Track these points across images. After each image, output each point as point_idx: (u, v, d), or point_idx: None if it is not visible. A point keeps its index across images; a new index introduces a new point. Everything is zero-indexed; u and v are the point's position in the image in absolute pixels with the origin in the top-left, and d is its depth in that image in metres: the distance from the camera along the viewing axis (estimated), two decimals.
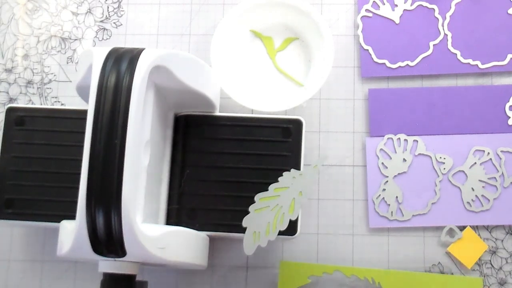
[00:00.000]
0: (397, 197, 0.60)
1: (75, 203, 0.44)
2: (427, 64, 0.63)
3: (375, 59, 0.63)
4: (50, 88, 0.64)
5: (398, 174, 0.60)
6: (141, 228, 0.45)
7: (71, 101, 0.64)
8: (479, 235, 0.59)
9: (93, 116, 0.44)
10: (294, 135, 0.55)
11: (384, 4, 0.64)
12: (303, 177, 0.50)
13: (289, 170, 0.50)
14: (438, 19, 0.64)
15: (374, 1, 0.64)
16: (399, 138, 0.61)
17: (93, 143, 0.44)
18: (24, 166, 0.56)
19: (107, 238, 0.44)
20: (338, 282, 0.58)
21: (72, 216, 0.45)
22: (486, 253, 0.59)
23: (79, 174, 0.44)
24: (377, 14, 0.64)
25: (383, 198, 0.60)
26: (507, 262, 0.59)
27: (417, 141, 0.61)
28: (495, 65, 0.62)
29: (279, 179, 0.50)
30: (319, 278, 0.58)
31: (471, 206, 0.59)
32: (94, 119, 0.44)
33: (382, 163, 0.61)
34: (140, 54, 0.46)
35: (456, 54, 0.63)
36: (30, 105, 0.63)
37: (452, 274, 0.59)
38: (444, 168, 0.60)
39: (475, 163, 0.60)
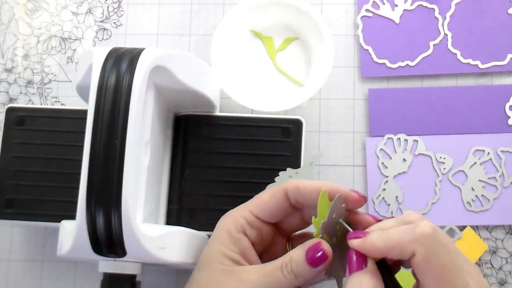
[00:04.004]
0: (397, 197, 0.60)
1: (75, 203, 0.44)
2: (427, 64, 0.63)
3: (375, 59, 0.63)
4: (50, 88, 0.64)
5: (398, 174, 0.60)
6: (141, 228, 0.45)
7: (71, 101, 0.64)
8: (479, 235, 0.59)
9: (93, 116, 0.44)
10: (294, 135, 0.55)
11: (384, 4, 0.64)
12: (299, 176, 0.50)
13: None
14: (438, 19, 0.64)
15: (374, 1, 0.64)
16: (399, 138, 0.61)
17: (93, 143, 0.44)
18: (24, 166, 0.56)
19: (107, 238, 0.44)
20: None
21: (72, 216, 0.45)
22: (486, 253, 0.59)
23: (79, 174, 0.44)
24: (377, 14, 0.64)
25: (383, 198, 0.60)
26: (507, 262, 0.59)
27: (417, 141, 0.61)
28: (495, 65, 0.62)
29: (275, 178, 0.50)
30: None
31: (471, 206, 0.59)
32: (94, 119, 0.44)
33: (382, 163, 0.61)
34: (140, 54, 0.46)
35: (456, 54, 0.63)
36: (30, 105, 0.63)
37: None
38: (444, 168, 0.60)
39: (475, 163, 0.60)
